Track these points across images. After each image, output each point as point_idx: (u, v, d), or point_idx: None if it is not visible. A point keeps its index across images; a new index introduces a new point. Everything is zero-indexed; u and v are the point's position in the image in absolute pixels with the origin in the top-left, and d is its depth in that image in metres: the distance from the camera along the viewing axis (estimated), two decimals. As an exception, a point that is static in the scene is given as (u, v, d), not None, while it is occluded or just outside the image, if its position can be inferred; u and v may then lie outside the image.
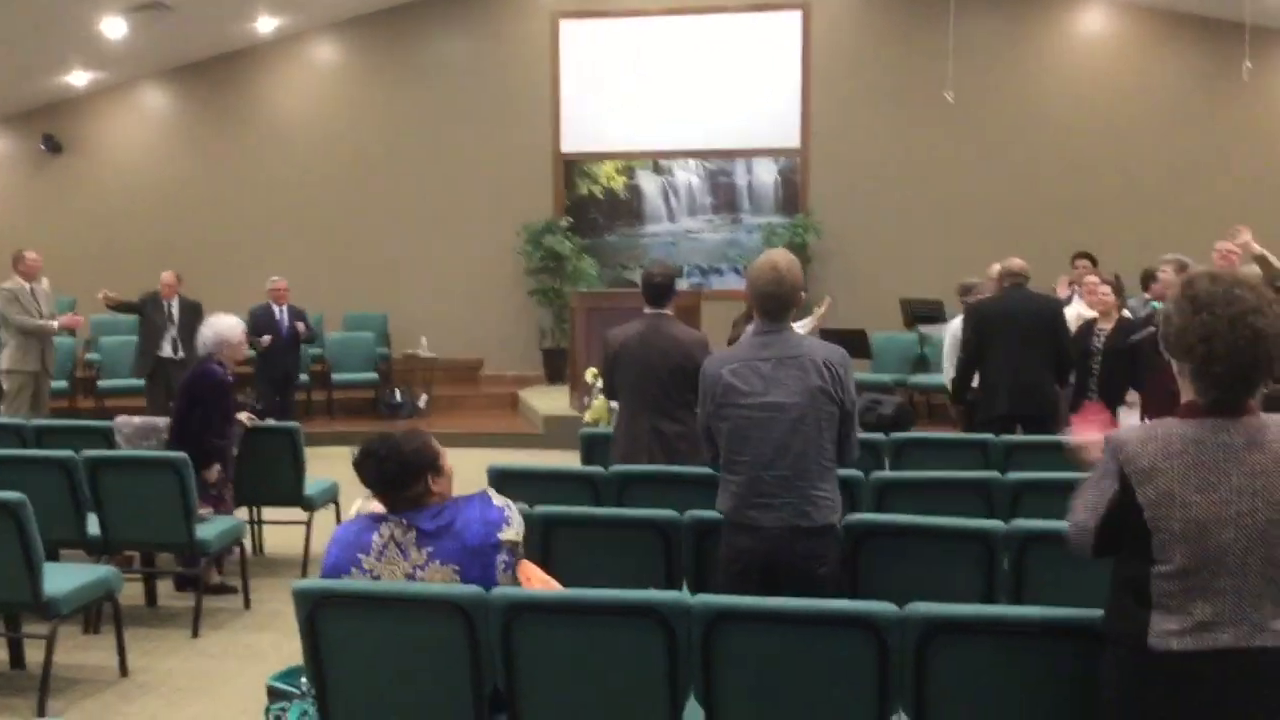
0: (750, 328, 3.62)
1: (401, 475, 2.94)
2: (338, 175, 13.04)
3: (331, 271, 12.76)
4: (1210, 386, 2.26)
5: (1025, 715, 2.75)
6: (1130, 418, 7.01)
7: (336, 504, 6.63)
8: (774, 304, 3.46)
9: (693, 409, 5.00)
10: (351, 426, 11.02)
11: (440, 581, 2.90)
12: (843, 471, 3.68)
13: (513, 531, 2.97)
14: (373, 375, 11.99)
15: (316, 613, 2.95)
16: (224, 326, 5.99)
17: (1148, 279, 8.66)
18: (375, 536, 2.95)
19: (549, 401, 11.07)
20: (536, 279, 12.75)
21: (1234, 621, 2.23)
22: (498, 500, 3.01)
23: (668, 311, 5.12)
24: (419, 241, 12.98)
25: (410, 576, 2.91)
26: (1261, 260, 7.06)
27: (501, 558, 2.94)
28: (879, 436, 5.60)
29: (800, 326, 6.87)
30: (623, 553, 3.76)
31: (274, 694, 3.12)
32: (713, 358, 3.58)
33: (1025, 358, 6.40)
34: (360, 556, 2.95)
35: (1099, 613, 2.58)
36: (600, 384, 6.24)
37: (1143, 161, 12.16)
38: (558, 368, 12.27)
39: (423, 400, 11.86)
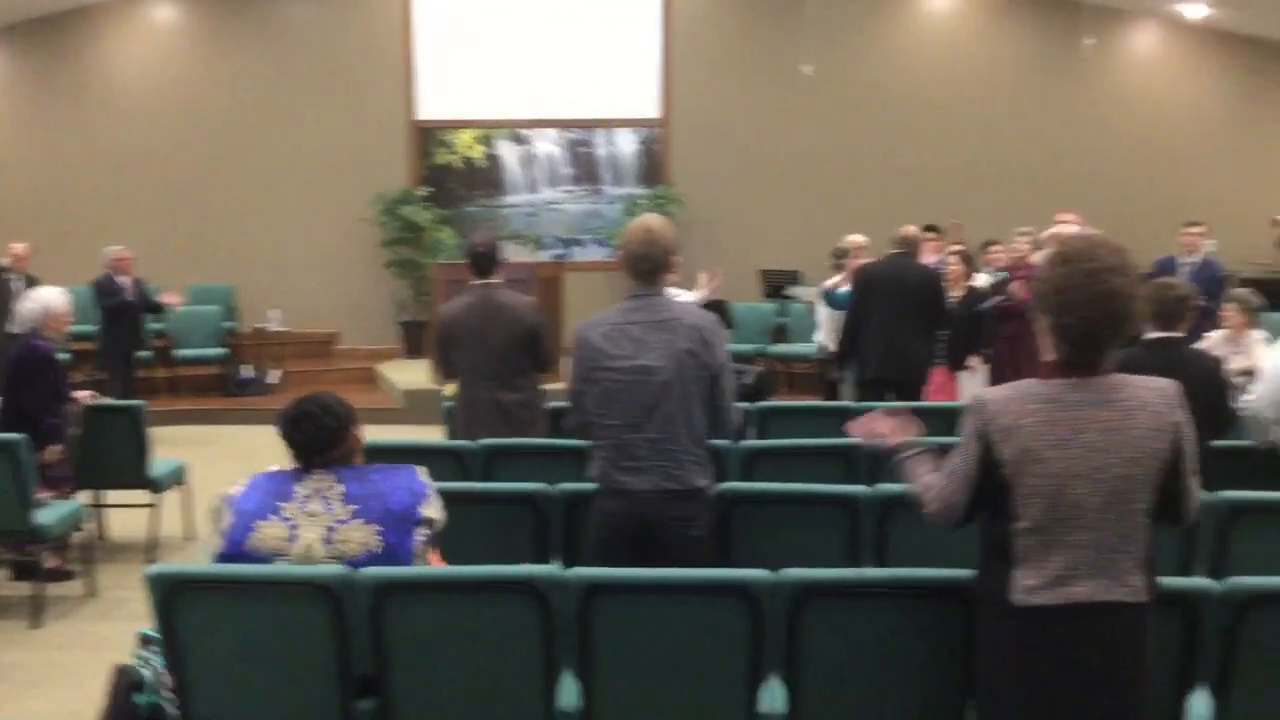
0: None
1: (339, 431, 2.91)
2: (181, 142, 12.42)
3: (174, 243, 12.15)
4: (1063, 340, 2.33)
5: (895, 675, 2.81)
6: (972, 383, 7.30)
7: (184, 485, 6.36)
8: (647, 265, 3.44)
9: (532, 376, 5.06)
10: (197, 404, 10.67)
11: (360, 540, 2.83)
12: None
13: (434, 509, 2.93)
14: (219, 351, 11.50)
15: (172, 599, 2.81)
16: (49, 297, 5.66)
17: (987, 249, 9.03)
18: (299, 487, 2.88)
19: (409, 375, 10.85)
20: (393, 250, 12.43)
21: (1091, 575, 2.31)
22: (423, 477, 2.97)
23: (497, 280, 5.09)
24: (267, 212, 12.47)
25: (330, 530, 2.83)
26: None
27: (422, 531, 2.89)
28: (743, 405, 5.65)
29: (688, 297, 6.92)
30: (493, 528, 3.69)
31: (146, 640, 2.96)
32: (584, 323, 3.54)
33: (901, 324, 6.57)
34: (280, 505, 2.85)
35: (963, 572, 2.66)
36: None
37: (990, 135, 12.59)
38: (417, 341, 12.03)
39: (274, 376, 11.46)
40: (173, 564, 2.92)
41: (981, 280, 7.70)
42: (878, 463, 4.47)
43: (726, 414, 3.53)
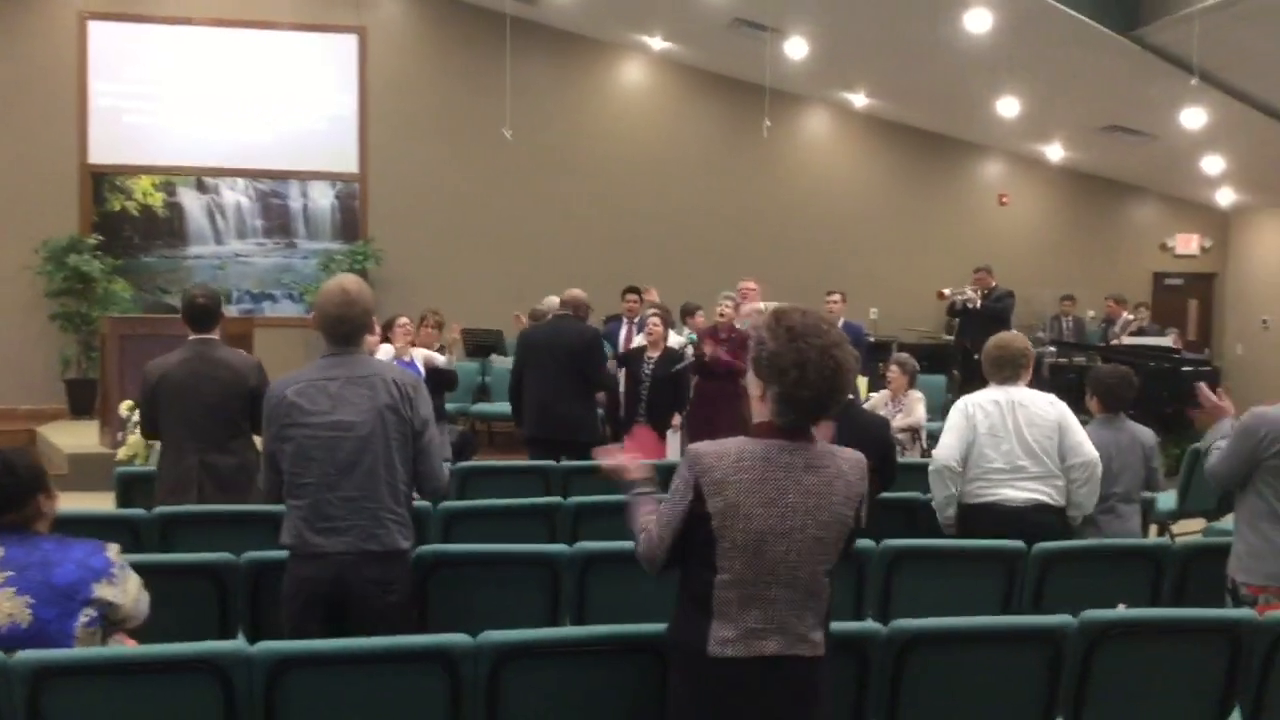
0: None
1: (17, 493, 2.66)
2: None
3: None
4: (791, 409, 2.46)
5: (597, 732, 2.83)
6: (678, 441, 7.59)
7: None
8: (345, 327, 3.33)
9: (248, 438, 4.73)
10: None
11: (6, 611, 2.56)
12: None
13: (114, 592, 2.67)
14: None
15: None
16: None
17: (686, 313, 9.47)
18: None
19: (75, 438, 9.93)
20: (59, 302, 11.41)
21: (780, 630, 2.44)
22: (112, 555, 2.70)
23: (214, 336, 4.79)
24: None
25: None
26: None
27: (88, 612, 2.62)
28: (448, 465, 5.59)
29: (387, 355, 6.80)
30: (172, 604, 3.42)
31: None
32: (278, 380, 3.37)
33: (555, 384, 6.74)
34: None
35: (659, 627, 2.73)
36: (137, 418, 5.69)
37: (680, 204, 13.23)
38: (85, 400, 11.06)
39: (-88, 440, 10.18)
40: None
41: (675, 341, 8.02)
42: (579, 520, 4.56)
43: (433, 473, 3.44)
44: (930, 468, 4.47)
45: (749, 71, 12.39)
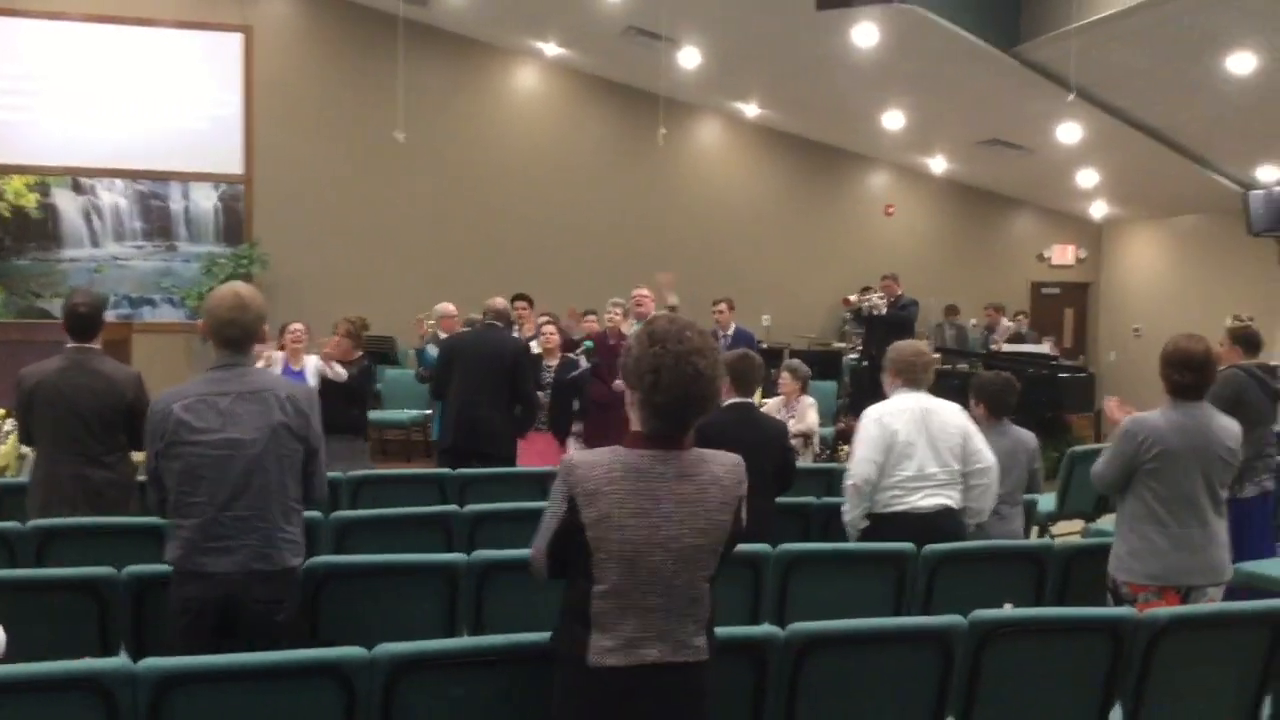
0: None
1: None
2: None
3: None
4: (652, 416, 2.46)
5: (494, 743, 2.80)
6: (577, 446, 7.58)
7: None
8: (235, 331, 3.23)
9: (125, 452, 4.58)
10: None
11: None
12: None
13: None
14: None
15: None
16: None
17: (584, 317, 9.47)
18: None
19: (-62, 449, 9.44)
20: (-78, 306, 10.88)
21: (660, 638, 2.45)
22: None
23: (95, 346, 4.60)
24: None
25: None
26: (673, 310, 7.97)
27: None
28: (338, 475, 5.47)
29: (279, 368, 6.59)
30: (51, 620, 3.28)
31: None
32: (164, 394, 3.25)
33: (479, 395, 6.58)
34: None
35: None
36: (9, 427, 5.44)
37: (576, 210, 13.22)
38: (-51, 410, 10.53)
39: None
40: None
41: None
42: (477, 527, 4.51)
43: (318, 486, 3.39)
44: (847, 483, 4.41)
45: (644, 79, 12.46)
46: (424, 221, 12.67)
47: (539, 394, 7.33)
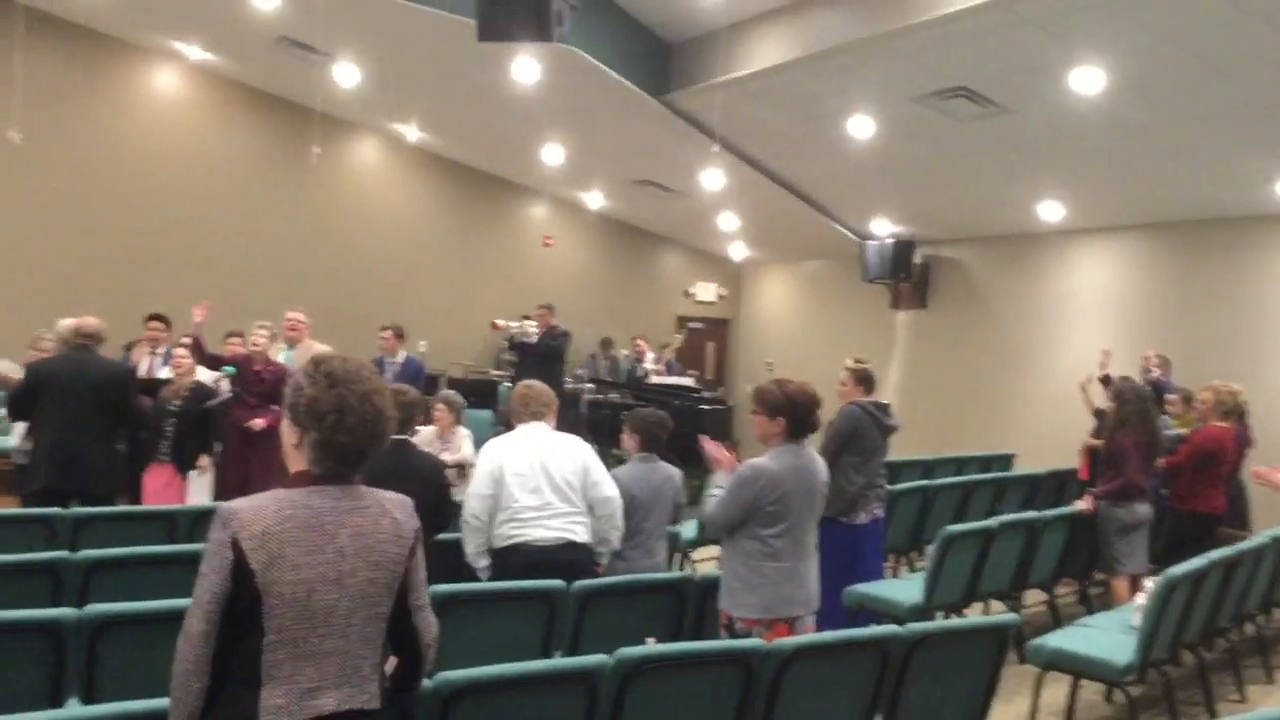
0: None
1: None
2: None
3: None
4: (329, 455, 2.35)
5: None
6: (201, 483, 7.05)
7: None
8: None
9: None
10: None
11: None
12: None
13: None
14: None
15: None
16: None
17: (227, 339, 8.88)
18: None
19: None
20: None
21: (337, 684, 2.29)
22: None
23: None
24: None
25: None
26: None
27: None
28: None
29: None
30: None
31: None
32: None
33: (77, 427, 5.95)
34: None
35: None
36: None
37: (225, 225, 12.41)
38: None
39: None
40: None
41: (208, 375, 7.47)
42: (92, 577, 4.07)
43: None
44: (462, 519, 4.52)
45: (299, 93, 11.95)
46: (44, 231, 11.32)
47: (163, 423, 6.81)
